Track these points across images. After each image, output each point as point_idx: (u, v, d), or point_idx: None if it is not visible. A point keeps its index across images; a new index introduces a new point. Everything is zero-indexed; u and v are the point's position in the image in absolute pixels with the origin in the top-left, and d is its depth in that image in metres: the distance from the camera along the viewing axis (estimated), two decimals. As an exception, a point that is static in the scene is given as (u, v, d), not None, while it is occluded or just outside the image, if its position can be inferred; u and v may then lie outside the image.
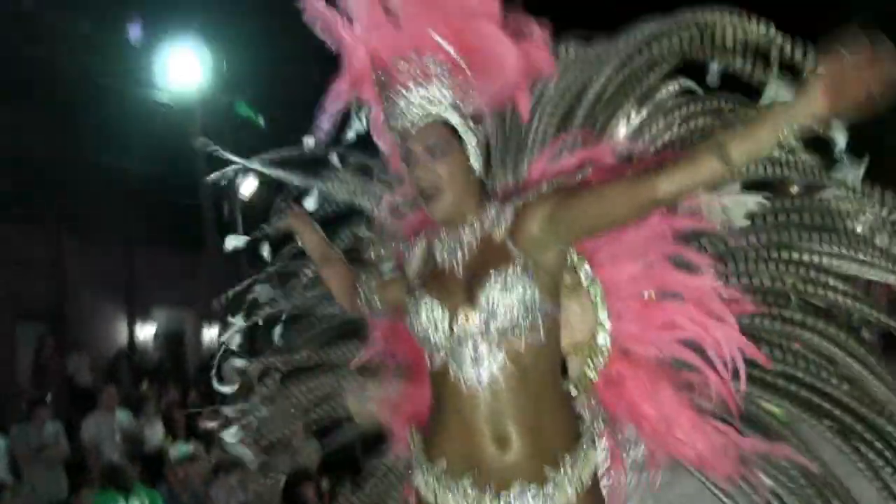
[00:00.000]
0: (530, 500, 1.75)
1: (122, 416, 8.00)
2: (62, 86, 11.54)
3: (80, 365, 13.91)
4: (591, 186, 1.88)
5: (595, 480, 1.87)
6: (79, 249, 13.98)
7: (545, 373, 1.82)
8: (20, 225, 12.44)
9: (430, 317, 1.83)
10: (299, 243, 2.39)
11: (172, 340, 17.60)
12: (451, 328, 1.80)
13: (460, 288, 1.84)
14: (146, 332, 16.81)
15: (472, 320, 1.78)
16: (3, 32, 10.37)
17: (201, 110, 11.98)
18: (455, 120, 1.82)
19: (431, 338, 1.82)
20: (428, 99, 1.83)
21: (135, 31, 11.63)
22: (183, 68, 11.80)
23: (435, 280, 1.91)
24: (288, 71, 12.22)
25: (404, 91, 1.83)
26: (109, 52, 11.61)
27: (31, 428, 7.42)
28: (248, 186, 11.99)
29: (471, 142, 1.84)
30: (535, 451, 1.77)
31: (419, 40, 1.87)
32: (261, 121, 12.59)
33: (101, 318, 15.73)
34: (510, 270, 1.77)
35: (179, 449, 6.95)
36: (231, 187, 2.94)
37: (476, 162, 1.86)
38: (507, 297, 1.76)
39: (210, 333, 18.66)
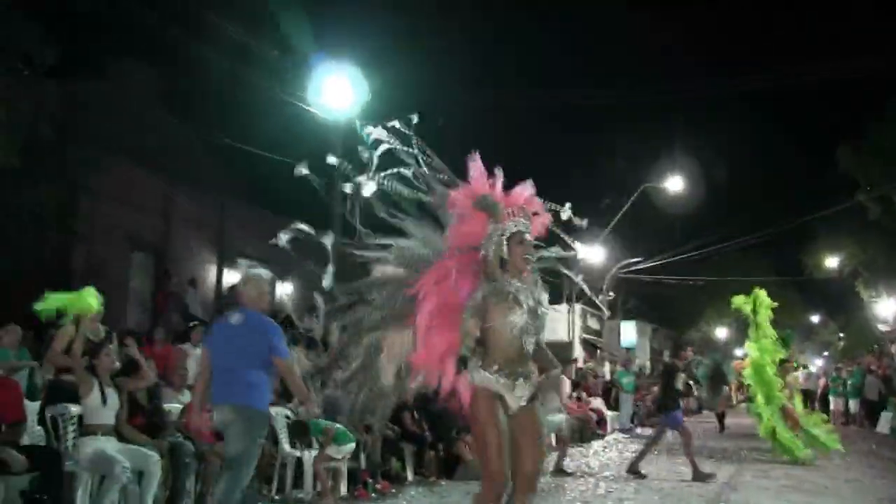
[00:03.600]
0: (524, 385, 3.95)
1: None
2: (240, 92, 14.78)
3: (195, 297, 17.03)
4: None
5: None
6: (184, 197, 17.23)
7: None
8: (138, 170, 15.54)
9: (517, 319, 3.92)
10: None
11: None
12: (523, 326, 3.94)
13: (527, 310, 3.97)
14: (231, 277, 19.78)
15: (527, 323, 3.96)
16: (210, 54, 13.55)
17: (344, 128, 14.98)
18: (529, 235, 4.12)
19: (515, 327, 3.92)
20: (526, 226, 4.07)
21: (316, 60, 14.71)
22: (339, 91, 14.79)
23: (516, 300, 3.95)
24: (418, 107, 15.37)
25: (525, 218, 4.07)
26: (280, 69, 14.81)
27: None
28: (369, 189, 15.44)
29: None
30: (531, 371, 4.00)
31: (527, 206, 4.16)
32: (370, 140, 15.69)
33: (199, 259, 18.74)
34: (543, 310, 4.08)
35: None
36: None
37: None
38: (543, 321, 4.08)
39: (281, 289, 21.75)
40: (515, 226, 4.03)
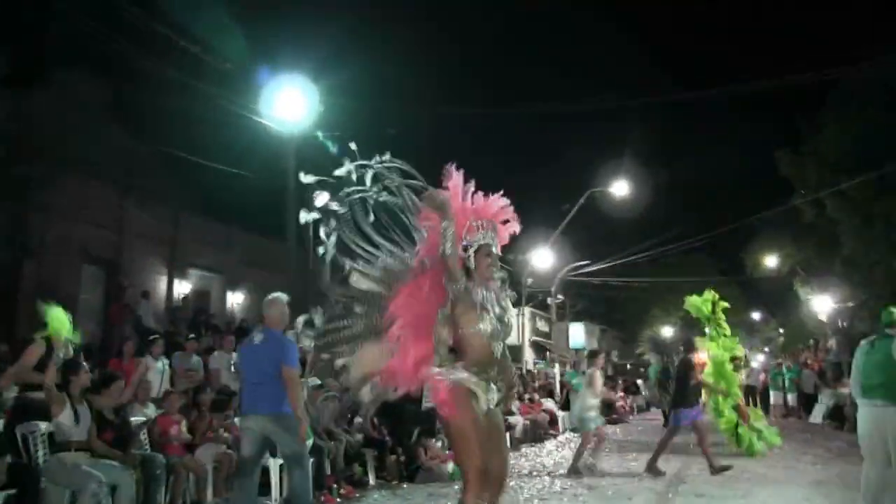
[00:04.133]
0: (495, 391, 4.17)
1: (237, 356, 11.31)
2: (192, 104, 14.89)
3: (147, 309, 17.02)
4: None
5: None
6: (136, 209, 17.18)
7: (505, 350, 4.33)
8: (89, 183, 15.50)
9: (484, 325, 4.13)
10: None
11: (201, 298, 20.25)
12: (492, 332, 4.14)
13: (495, 315, 4.18)
14: (182, 288, 19.80)
15: (496, 329, 4.18)
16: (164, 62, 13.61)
17: (298, 138, 15.19)
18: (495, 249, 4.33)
19: (485, 333, 4.13)
20: (492, 238, 4.29)
21: (264, 74, 14.89)
22: (290, 104, 14.97)
23: (483, 307, 4.14)
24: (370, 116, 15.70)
25: (490, 231, 4.29)
26: (232, 83, 14.94)
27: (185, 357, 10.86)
28: (322, 199, 15.64)
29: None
30: (499, 376, 4.20)
31: (495, 218, 4.38)
32: (334, 148, 15.93)
33: (150, 271, 18.75)
34: (511, 318, 4.36)
35: (312, 381, 9.25)
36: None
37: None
38: (511, 328, 4.31)
39: (233, 298, 21.78)
40: (483, 238, 4.27)
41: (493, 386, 4.17)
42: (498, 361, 4.21)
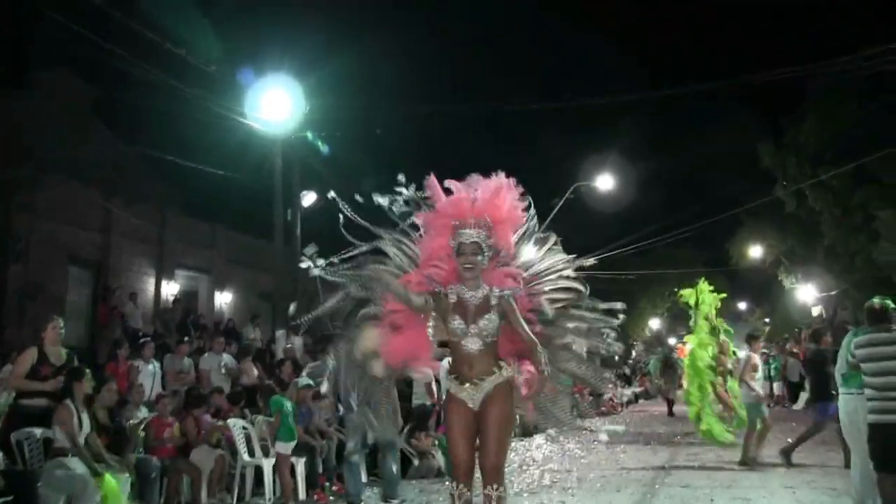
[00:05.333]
0: (472, 389, 4.20)
1: (227, 358, 11.43)
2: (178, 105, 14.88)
3: (134, 311, 17.06)
4: (519, 319, 4.24)
5: (508, 385, 4.26)
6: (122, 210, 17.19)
7: (492, 348, 4.27)
8: (75, 185, 15.54)
9: (457, 325, 4.24)
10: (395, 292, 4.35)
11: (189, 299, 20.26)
12: (465, 330, 4.22)
13: (470, 315, 4.24)
14: (170, 289, 19.81)
15: (472, 329, 4.23)
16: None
17: (284, 138, 15.24)
18: (483, 244, 4.29)
19: (456, 331, 4.24)
20: (476, 234, 4.27)
21: (247, 76, 14.93)
22: (276, 104, 15.01)
23: (460, 307, 4.25)
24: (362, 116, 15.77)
25: (469, 227, 4.27)
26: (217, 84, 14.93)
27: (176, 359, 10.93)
28: (309, 199, 15.79)
29: (486, 253, 4.30)
30: (481, 373, 4.22)
31: (481, 212, 4.31)
32: (325, 148, 15.98)
33: (138, 272, 18.79)
34: (492, 315, 4.23)
35: (302, 380, 9.76)
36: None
37: (485, 262, 4.31)
38: (489, 325, 4.24)
39: (221, 298, 21.78)
40: (459, 236, 4.31)
41: (473, 384, 4.24)
42: (475, 358, 4.26)
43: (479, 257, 4.29)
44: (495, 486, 4.14)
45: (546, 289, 4.78)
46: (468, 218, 4.34)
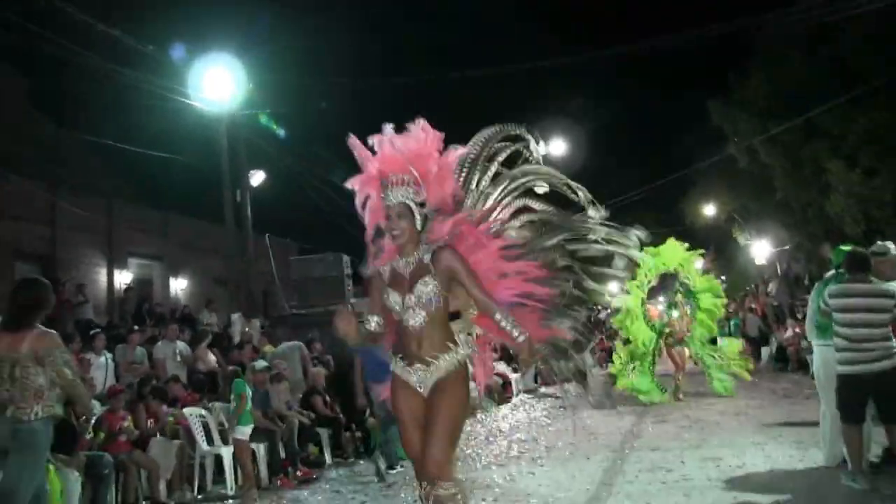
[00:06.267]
0: (422, 371, 3.67)
1: (181, 345, 11.12)
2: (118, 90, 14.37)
3: (84, 303, 16.59)
4: (470, 278, 3.63)
5: (463, 366, 3.74)
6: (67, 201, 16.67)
7: (440, 320, 3.70)
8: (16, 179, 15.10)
9: (392, 300, 3.71)
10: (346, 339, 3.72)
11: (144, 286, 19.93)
12: (403, 303, 3.68)
13: (406, 284, 3.69)
14: (122, 278, 19.41)
15: (409, 300, 3.67)
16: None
17: (228, 118, 14.85)
18: (411, 204, 3.68)
19: (394, 308, 3.72)
20: (401, 193, 3.66)
21: (178, 52, 14.48)
22: (218, 83, 14.60)
23: (395, 280, 3.74)
24: (304, 92, 15.35)
25: (392, 188, 3.66)
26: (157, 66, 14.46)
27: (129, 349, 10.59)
28: (257, 179, 15.52)
29: (417, 214, 3.69)
30: (431, 351, 3.66)
31: (405, 166, 3.68)
32: (280, 131, 15.62)
33: (88, 263, 18.37)
34: (427, 278, 3.65)
35: (259, 363, 9.65)
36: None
37: (418, 223, 3.70)
38: (425, 289, 3.65)
39: (176, 284, 21.38)
40: (384, 199, 3.74)
41: (424, 364, 3.69)
42: (422, 334, 3.70)
43: (405, 221, 3.69)
44: (437, 484, 3.53)
45: (511, 210, 4.21)
46: (389, 176, 3.72)
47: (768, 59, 22.64)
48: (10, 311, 5.03)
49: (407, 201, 3.68)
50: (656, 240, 14.27)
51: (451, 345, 3.73)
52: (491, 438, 10.69)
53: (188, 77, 14.38)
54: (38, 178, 15.84)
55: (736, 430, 9.38)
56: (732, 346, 13.83)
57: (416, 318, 3.69)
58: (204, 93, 14.46)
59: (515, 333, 3.58)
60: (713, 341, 14.01)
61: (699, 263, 14.13)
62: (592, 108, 40.80)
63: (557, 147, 24.25)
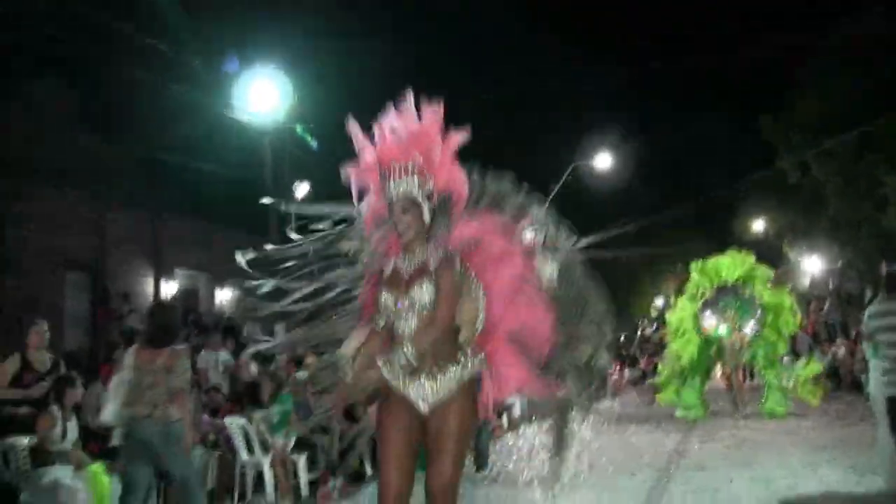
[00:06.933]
0: (428, 383, 3.25)
1: (224, 355, 11.16)
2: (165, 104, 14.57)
3: (132, 313, 16.80)
4: (447, 300, 3.25)
5: (470, 382, 3.32)
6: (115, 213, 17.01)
7: (445, 330, 3.27)
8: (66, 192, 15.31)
9: (386, 299, 3.31)
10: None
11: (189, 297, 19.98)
12: (396, 306, 3.28)
13: (403, 286, 3.28)
14: (169, 288, 19.55)
15: (403, 303, 3.27)
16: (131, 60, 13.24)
17: (272, 129, 14.98)
18: (418, 196, 3.30)
19: (388, 308, 3.30)
20: (405, 184, 3.26)
21: (232, 65, 14.62)
22: (263, 95, 14.74)
23: (393, 279, 3.31)
24: (340, 107, 15.39)
25: (395, 179, 3.28)
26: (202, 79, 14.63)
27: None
28: (302, 190, 15.63)
29: (426, 206, 3.31)
30: (430, 363, 3.23)
31: (406, 153, 3.30)
32: (314, 143, 15.68)
33: (135, 273, 18.61)
34: (426, 282, 3.23)
35: (300, 374, 9.48)
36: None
37: (427, 218, 3.32)
38: (420, 294, 3.24)
39: (221, 294, 21.60)
40: (386, 191, 3.37)
41: (429, 376, 3.29)
42: (410, 341, 3.24)
43: (409, 215, 3.31)
44: None
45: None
46: (390, 164, 3.33)
47: (823, 72, 22.16)
48: (148, 330, 6.07)
49: (412, 193, 3.32)
50: (704, 255, 14.05)
51: (461, 355, 3.35)
52: (533, 454, 10.48)
53: (233, 90, 14.53)
54: (87, 190, 16.08)
55: (786, 451, 9.05)
56: (811, 369, 12.87)
57: (407, 325, 3.30)
58: (250, 106, 14.60)
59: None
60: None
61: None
62: (640, 125, 40.30)
63: (604, 160, 24.05)
